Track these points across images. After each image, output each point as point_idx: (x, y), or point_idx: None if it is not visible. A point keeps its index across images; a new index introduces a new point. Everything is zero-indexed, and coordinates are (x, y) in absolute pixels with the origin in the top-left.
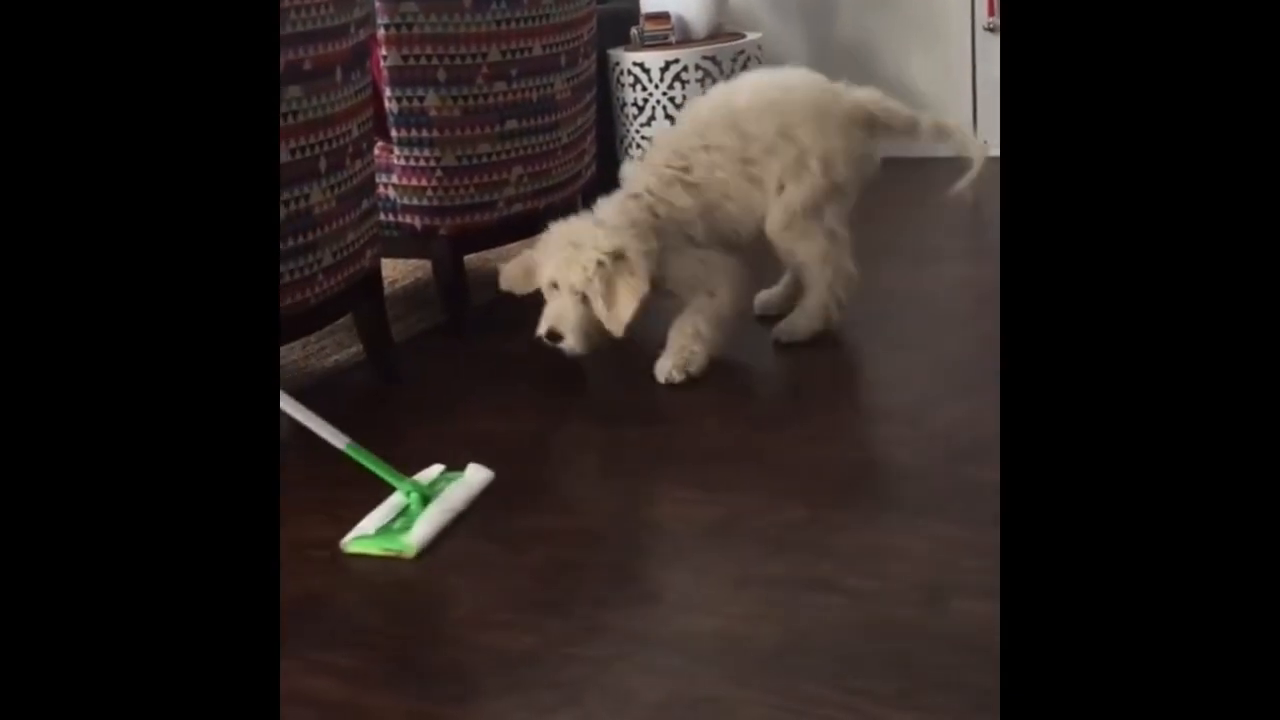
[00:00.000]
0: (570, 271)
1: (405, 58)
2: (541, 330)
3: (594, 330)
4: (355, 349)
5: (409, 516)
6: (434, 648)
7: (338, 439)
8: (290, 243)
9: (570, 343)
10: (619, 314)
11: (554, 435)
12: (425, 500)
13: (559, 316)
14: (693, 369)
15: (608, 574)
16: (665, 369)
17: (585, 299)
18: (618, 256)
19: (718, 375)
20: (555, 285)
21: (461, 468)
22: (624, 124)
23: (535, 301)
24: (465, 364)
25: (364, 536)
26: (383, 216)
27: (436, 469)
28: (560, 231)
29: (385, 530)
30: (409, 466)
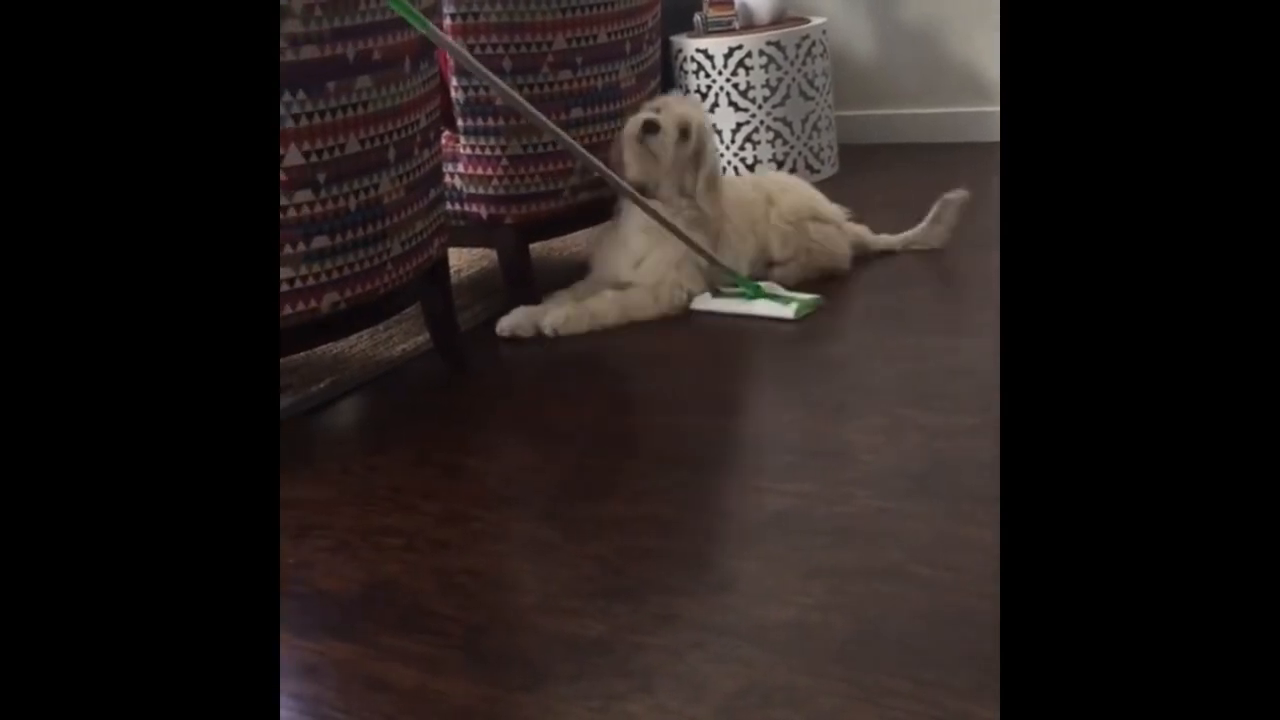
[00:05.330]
0: (672, 114)
1: (471, 47)
2: (639, 122)
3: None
4: (422, 338)
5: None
6: (504, 634)
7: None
8: (360, 232)
9: (666, 134)
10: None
11: (619, 423)
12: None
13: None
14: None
15: (677, 562)
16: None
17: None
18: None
19: (783, 366)
20: (653, 127)
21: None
22: None
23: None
24: (530, 352)
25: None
26: (449, 206)
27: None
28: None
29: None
30: (481, 453)
